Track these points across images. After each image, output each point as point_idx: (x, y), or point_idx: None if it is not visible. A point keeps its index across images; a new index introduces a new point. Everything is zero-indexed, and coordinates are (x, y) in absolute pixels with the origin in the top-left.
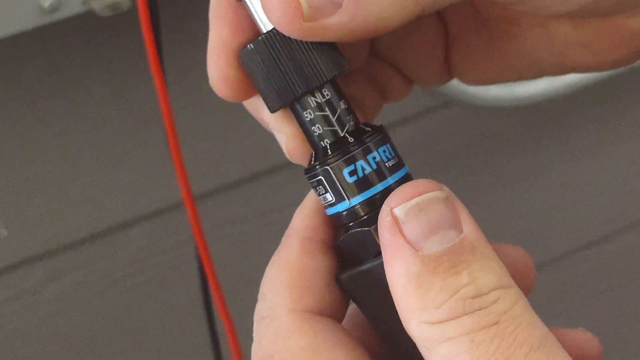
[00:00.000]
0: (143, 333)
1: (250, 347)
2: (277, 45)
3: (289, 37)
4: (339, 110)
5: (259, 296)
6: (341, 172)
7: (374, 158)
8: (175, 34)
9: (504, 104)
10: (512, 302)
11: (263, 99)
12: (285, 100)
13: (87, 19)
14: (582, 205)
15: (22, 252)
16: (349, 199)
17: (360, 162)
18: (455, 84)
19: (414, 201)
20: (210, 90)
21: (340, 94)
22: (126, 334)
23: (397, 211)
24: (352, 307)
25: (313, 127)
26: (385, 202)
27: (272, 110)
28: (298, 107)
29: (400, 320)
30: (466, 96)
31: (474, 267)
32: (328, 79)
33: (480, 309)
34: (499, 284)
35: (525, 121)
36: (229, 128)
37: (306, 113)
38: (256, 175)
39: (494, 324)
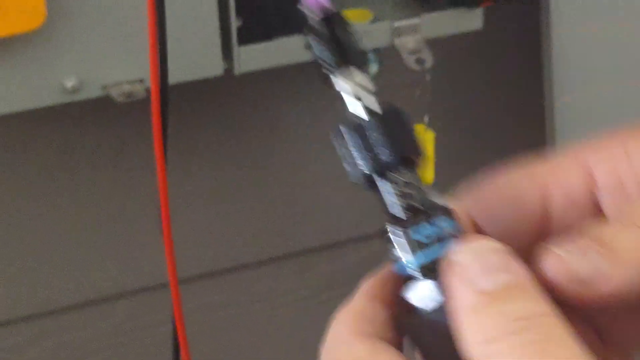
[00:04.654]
0: None
1: None
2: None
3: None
4: (412, 189)
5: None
6: (409, 241)
7: (436, 231)
8: (181, 126)
9: None
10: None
11: (345, 166)
12: (369, 172)
13: (103, 102)
14: None
15: (9, 312)
16: (412, 260)
17: (425, 233)
18: None
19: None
20: (206, 183)
21: (415, 174)
22: None
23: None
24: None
25: (390, 199)
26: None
27: (350, 179)
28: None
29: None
30: None
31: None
32: (401, 158)
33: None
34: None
35: None
36: (220, 218)
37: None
38: (240, 266)
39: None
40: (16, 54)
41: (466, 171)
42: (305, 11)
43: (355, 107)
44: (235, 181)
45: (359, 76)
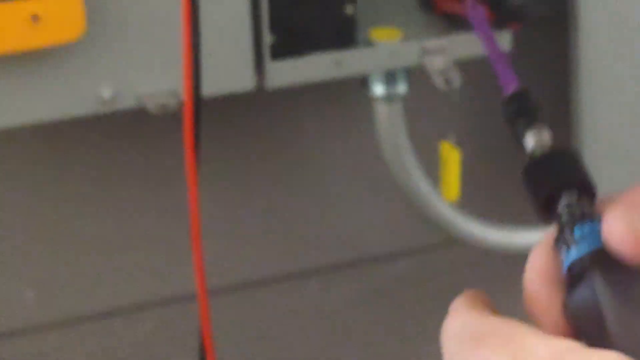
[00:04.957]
0: None
1: None
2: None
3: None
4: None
5: None
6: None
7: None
8: (212, 140)
9: (503, 249)
10: None
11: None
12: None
13: (137, 113)
14: None
15: (36, 318)
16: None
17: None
18: (460, 224)
19: None
20: (235, 196)
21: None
22: None
23: None
24: None
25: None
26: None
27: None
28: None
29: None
30: (468, 237)
31: None
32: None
33: None
34: None
35: (520, 268)
36: (250, 231)
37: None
38: (268, 280)
39: None
40: (55, 63)
41: (492, 189)
42: (506, 90)
43: (540, 148)
44: (265, 195)
45: (545, 132)
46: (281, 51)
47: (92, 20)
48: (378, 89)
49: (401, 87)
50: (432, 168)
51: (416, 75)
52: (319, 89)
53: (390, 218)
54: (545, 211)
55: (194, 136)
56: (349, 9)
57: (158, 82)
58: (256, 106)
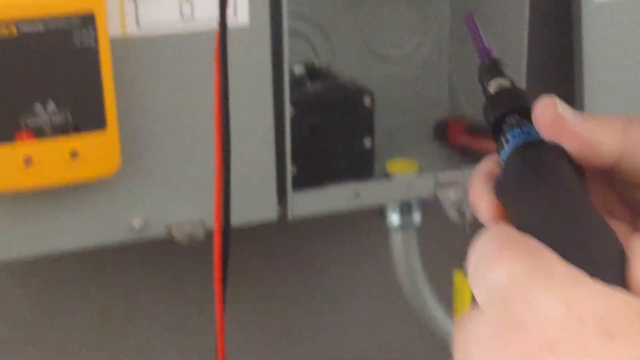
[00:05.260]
0: None
1: None
2: None
3: None
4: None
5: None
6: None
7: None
8: (240, 271)
9: None
10: None
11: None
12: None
13: (165, 243)
14: None
15: None
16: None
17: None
18: None
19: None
20: (261, 326)
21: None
22: None
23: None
24: None
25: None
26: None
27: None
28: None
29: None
30: None
31: None
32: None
33: None
34: None
35: None
36: (270, 352)
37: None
38: None
39: None
40: (90, 195)
41: None
42: (480, 56)
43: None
44: (283, 317)
45: (506, 81)
46: (303, 182)
47: (127, 155)
48: (394, 218)
49: (416, 217)
50: (445, 293)
51: (430, 205)
52: (339, 216)
53: (404, 340)
54: (496, 135)
55: (223, 265)
56: (367, 142)
57: (186, 212)
58: (278, 232)
